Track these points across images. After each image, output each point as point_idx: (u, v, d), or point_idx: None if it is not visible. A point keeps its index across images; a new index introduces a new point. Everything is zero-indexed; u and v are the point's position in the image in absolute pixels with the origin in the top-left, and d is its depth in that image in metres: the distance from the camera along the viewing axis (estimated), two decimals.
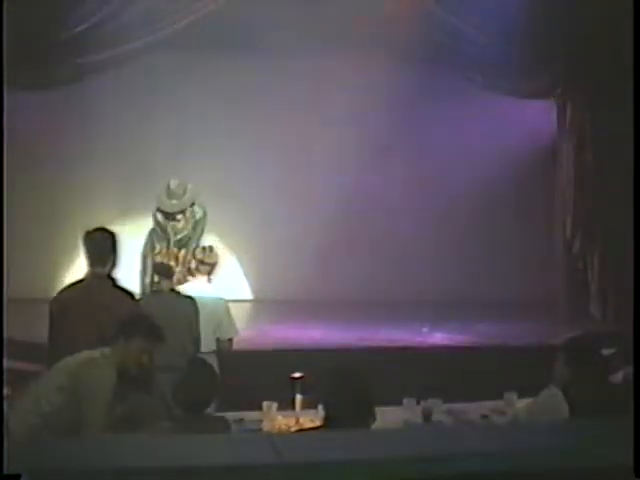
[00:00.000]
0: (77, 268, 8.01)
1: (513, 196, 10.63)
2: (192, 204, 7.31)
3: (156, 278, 5.33)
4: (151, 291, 5.31)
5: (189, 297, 5.31)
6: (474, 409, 4.52)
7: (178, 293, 5.41)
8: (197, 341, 5.20)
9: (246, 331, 7.56)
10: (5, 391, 3.73)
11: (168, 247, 7.03)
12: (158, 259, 5.49)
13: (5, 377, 3.73)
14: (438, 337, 7.96)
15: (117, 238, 4.60)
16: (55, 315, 4.54)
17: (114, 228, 4.77)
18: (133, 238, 7.43)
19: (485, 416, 4.38)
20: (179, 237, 7.18)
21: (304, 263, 10.65)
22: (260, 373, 5.46)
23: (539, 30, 8.24)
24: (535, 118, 10.10)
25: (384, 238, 10.70)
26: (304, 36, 8.54)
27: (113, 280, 4.56)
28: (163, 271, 5.45)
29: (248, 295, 10.33)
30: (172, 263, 5.49)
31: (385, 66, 9.72)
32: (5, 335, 4.08)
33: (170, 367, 4.20)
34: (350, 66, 9.59)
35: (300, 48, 8.99)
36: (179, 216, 7.18)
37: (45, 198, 9.95)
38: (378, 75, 9.78)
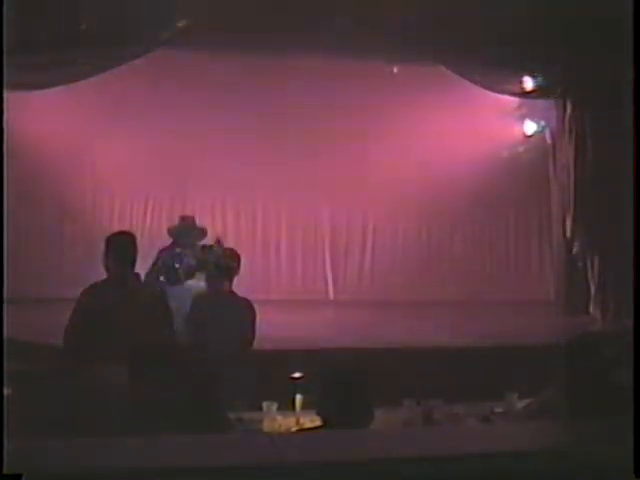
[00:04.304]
0: (79, 268, 8.03)
1: (513, 196, 10.64)
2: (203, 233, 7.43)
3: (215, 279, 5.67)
4: (211, 291, 5.66)
5: (246, 300, 5.63)
6: (474, 409, 4.52)
7: (235, 295, 5.65)
8: (247, 342, 5.50)
9: None
10: (5, 391, 3.73)
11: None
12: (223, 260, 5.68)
13: (5, 377, 3.73)
14: (438, 337, 7.96)
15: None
16: (84, 311, 4.67)
17: (114, 227, 4.91)
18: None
19: (485, 417, 4.38)
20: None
21: (303, 263, 10.67)
22: (260, 373, 5.45)
23: (539, 30, 8.23)
24: (535, 118, 10.10)
25: (384, 238, 10.71)
26: (302, 37, 8.53)
27: (138, 277, 4.91)
28: (226, 272, 5.63)
29: (247, 295, 10.33)
30: (234, 264, 5.70)
31: (383, 66, 9.73)
32: (5, 335, 4.09)
33: (220, 364, 4.38)
34: (350, 67, 9.60)
35: (300, 49, 8.99)
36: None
37: (46, 198, 9.95)
38: (376, 75, 9.79)
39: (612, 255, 8.63)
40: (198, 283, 6.05)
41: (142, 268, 6.31)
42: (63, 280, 8.83)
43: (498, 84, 9.16)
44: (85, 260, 7.98)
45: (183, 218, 7.59)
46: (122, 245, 4.83)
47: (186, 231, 7.21)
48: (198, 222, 7.58)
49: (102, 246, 4.84)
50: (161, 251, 7.11)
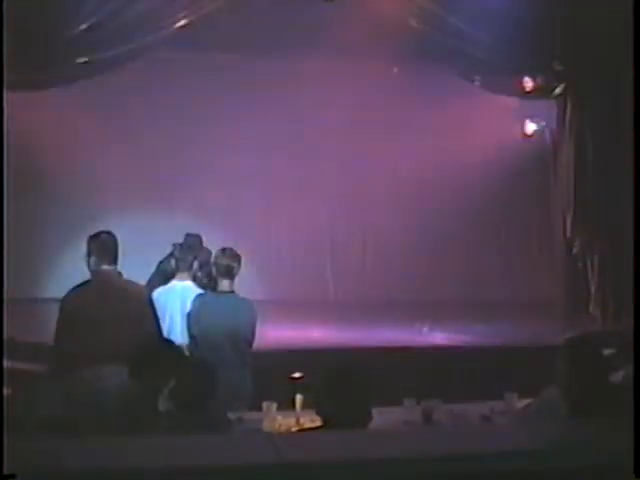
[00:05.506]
0: (77, 268, 7.99)
1: (513, 196, 10.63)
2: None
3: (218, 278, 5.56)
4: (213, 290, 5.62)
5: (247, 300, 5.59)
6: (474, 409, 4.52)
7: (236, 295, 5.59)
8: (247, 342, 5.43)
9: None
10: (5, 391, 3.73)
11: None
12: (223, 260, 5.61)
13: (5, 377, 3.73)
14: (438, 337, 7.96)
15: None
16: (70, 314, 4.69)
17: (114, 227, 4.94)
18: (133, 237, 7.43)
19: (485, 416, 4.38)
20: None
21: (304, 263, 10.66)
22: (260, 373, 5.45)
23: (539, 30, 8.23)
24: (535, 118, 10.10)
25: (384, 238, 10.71)
26: (302, 37, 8.54)
27: (121, 274, 4.85)
28: (226, 271, 5.59)
29: (247, 295, 10.32)
30: (234, 264, 5.63)
31: (383, 67, 9.72)
32: (5, 335, 4.09)
33: (221, 364, 4.37)
34: (350, 68, 9.59)
35: (300, 50, 8.99)
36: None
37: (46, 198, 9.94)
38: (376, 76, 9.79)
39: (612, 255, 8.63)
40: (195, 284, 5.99)
41: (142, 268, 6.35)
42: (62, 280, 8.81)
43: (498, 84, 9.16)
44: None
45: (189, 235, 7.42)
46: (102, 245, 4.81)
47: (190, 250, 7.08)
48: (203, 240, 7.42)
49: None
50: (161, 262, 7.09)
